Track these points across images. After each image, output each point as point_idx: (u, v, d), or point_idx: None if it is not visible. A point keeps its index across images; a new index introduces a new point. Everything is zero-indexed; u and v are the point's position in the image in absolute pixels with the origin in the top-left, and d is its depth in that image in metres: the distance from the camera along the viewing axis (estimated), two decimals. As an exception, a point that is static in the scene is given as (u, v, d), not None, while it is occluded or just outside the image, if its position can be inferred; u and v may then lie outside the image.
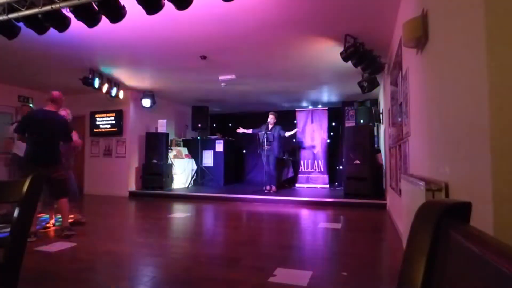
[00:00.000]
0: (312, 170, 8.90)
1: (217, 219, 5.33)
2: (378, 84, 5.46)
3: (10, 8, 3.30)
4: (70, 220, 4.07)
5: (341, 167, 8.53)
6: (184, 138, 9.62)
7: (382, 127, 6.78)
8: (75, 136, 4.24)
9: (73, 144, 4.16)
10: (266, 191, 7.25)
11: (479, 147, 1.23)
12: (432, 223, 0.40)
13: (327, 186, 8.60)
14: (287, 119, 9.70)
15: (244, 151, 10.59)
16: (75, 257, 3.10)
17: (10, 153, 5.08)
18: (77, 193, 4.50)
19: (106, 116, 7.97)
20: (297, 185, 8.83)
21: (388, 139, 5.28)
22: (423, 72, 2.39)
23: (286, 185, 8.70)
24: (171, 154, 8.39)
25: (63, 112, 4.25)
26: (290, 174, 8.92)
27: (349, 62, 4.51)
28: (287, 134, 7.53)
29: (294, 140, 8.97)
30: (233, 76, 6.34)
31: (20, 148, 4.99)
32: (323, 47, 4.82)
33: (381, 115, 6.54)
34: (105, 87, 6.50)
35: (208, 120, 9.20)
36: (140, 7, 3.07)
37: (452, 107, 1.64)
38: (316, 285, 2.34)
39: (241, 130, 7.79)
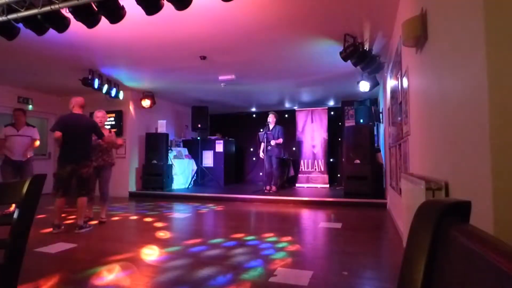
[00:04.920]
0: (312, 169, 8.91)
1: (217, 219, 5.33)
2: (377, 84, 5.46)
3: (9, 9, 3.30)
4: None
5: (341, 167, 8.52)
6: (184, 139, 9.63)
7: (382, 127, 6.78)
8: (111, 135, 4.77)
9: (106, 140, 4.42)
10: (266, 191, 7.25)
11: (479, 146, 1.23)
12: (432, 222, 0.40)
13: (327, 185, 8.60)
14: (287, 119, 9.72)
15: (244, 151, 10.61)
16: (76, 258, 3.10)
17: (3, 155, 5.09)
18: (107, 194, 4.73)
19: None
20: (297, 185, 8.83)
21: (388, 138, 5.28)
22: (422, 71, 2.39)
23: (286, 184, 8.70)
24: (171, 155, 8.39)
25: (99, 113, 4.68)
26: (291, 173, 8.93)
27: (349, 62, 4.51)
28: (276, 142, 7.30)
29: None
30: (233, 76, 6.34)
31: (11, 151, 5.00)
32: (323, 46, 4.82)
33: (381, 115, 6.54)
34: (104, 88, 6.50)
35: (208, 120, 9.20)
36: (139, 8, 3.07)
37: (452, 106, 1.64)
38: (317, 284, 2.34)
39: (261, 154, 7.52)
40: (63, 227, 4.02)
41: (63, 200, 4.02)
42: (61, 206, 4.01)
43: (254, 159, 10.21)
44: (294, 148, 9.40)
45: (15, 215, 0.88)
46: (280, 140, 7.29)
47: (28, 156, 5.25)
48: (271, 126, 7.43)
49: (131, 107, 7.89)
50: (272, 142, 7.24)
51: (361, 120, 7.01)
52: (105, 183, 4.68)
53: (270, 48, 4.96)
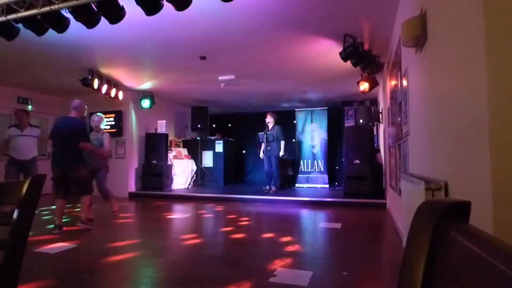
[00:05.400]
0: (312, 170, 8.91)
1: (217, 219, 5.32)
2: (377, 83, 5.46)
3: (9, 9, 3.30)
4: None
5: (341, 167, 8.52)
6: (183, 139, 9.62)
7: (381, 127, 6.78)
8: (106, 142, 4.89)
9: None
10: (266, 191, 7.26)
11: (479, 146, 1.23)
12: (432, 222, 0.40)
13: (327, 186, 8.60)
14: (286, 119, 9.71)
15: (244, 151, 10.61)
16: (75, 258, 3.09)
17: (7, 155, 5.12)
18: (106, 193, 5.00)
19: (106, 117, 7.93)
20: (297, 185, 8.83)
21: (387, 139, 5.28)
22: (422, 71, 2.39)
23: (286, 184, 8.71)
24: (170, 155, 8.39)
25: (95, 118, 4.92)
26: (289, 172, 8.94)
27: (348, 62, 4.51)
28: (283, 150, 7.34)
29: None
30: (233, 77, 6.34)
31: (16, 151, 5.03)
32: (322, 47, 4.82)
33: (380, 115, 6.54)
34: (104, 88, 6.49)
35: (207, 121, 9.20)
36: (139, 8, 3.07)
37: (451, 106, 1.64)
38: (317, 285, 2.34)
39: (261, 155, 7.60)
40: (64, 227, 4.03)
41: (64, 201, 4.09)
42: (61, 207, 4.06)
43: (254, 159, 10.21)
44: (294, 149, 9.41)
45: (15, 215, 0.88)
46: (283, 144, 7.31)
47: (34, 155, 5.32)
48: (270, 126, 7.45)
49: (131, 107, 7.89)
50: (285, 156, 7.23)
51: (361, 120, 7.01)
52: (102, 182, 4.87)
53: (270, 48, 4.96)
